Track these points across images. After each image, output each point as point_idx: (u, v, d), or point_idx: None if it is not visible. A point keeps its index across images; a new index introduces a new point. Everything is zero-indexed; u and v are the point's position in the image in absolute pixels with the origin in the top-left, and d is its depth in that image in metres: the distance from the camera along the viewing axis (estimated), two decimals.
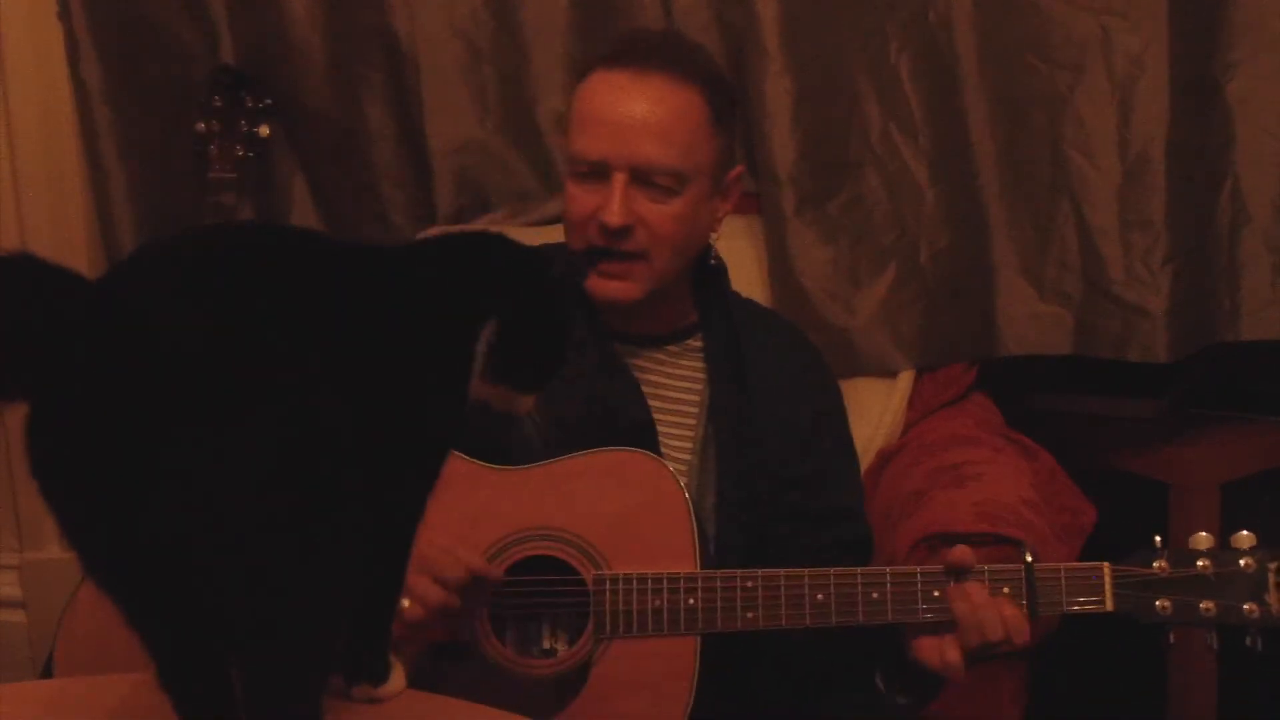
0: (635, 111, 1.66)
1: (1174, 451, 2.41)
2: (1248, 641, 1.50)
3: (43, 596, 2.76)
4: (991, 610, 1.52)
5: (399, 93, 2.44)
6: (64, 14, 2.51)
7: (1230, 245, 2.16)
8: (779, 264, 2.27)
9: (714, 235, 1.79)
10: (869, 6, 2.22)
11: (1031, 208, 2.21)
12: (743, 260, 2.31)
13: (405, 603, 1.50)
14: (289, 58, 2.46)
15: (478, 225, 2.43)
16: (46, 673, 1.75)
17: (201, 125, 2.43)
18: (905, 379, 2.27)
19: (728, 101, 1.76)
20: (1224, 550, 1.52)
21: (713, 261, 1.81)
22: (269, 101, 2.46)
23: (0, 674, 2.71)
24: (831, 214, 2.26)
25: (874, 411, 2.24)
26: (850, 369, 2.24)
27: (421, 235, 2.40)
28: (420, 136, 2.44)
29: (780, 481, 1.74)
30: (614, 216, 1.65)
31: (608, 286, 1.70)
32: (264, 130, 2.44)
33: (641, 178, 1.67)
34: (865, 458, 2.18)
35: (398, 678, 1.28)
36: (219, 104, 2.44)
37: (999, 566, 1.56)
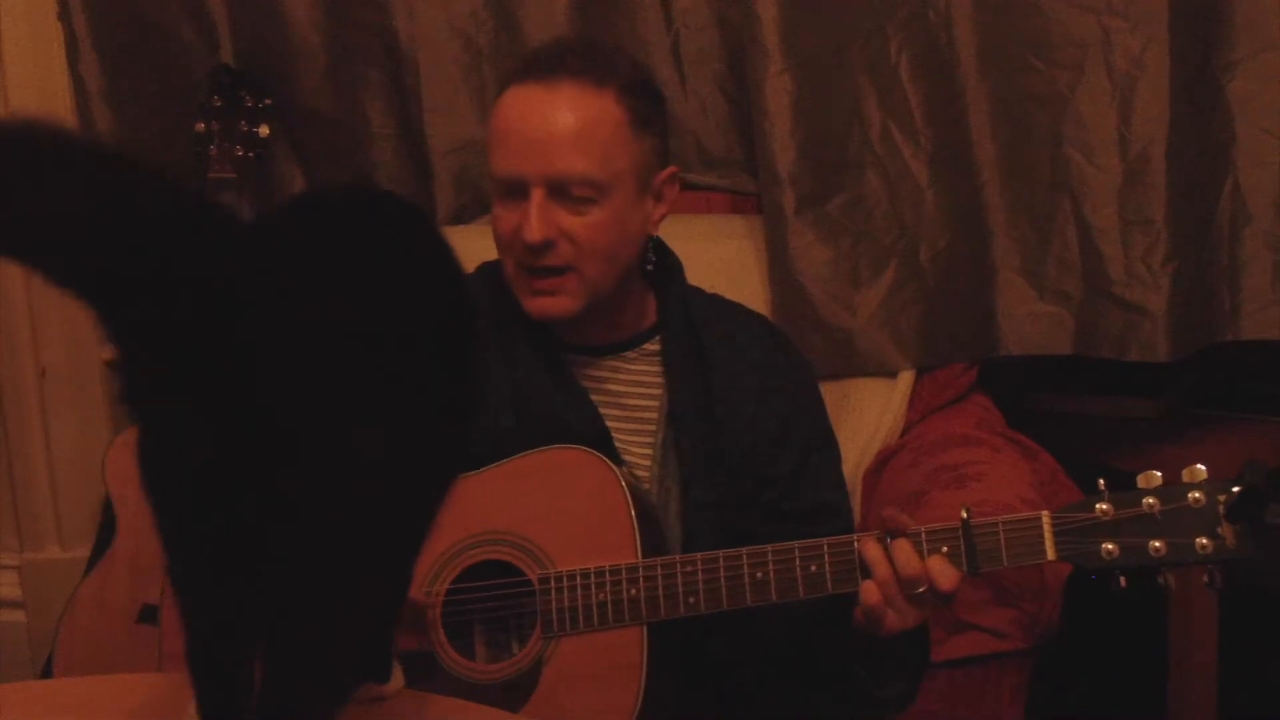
0: (546, 124, 1.63)
1: (1174, 451, 2.41)
2: (1205, 579, 1.45)
3: (43, 596, 2.76)
4: (916, 565, 1.50)
5: (399, 93, 2.44)
6: (64, 14, 2.51)
7: (1231, 245, 2.15)
8: (779, 264, 2.27)
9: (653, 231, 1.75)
10: (869, 6, 2.22)
11: (1031, 208, 2.21)
12: (743, 260, 2.31)
13: None
14: (289, 58, 2.46)
15: (478, 225, 2.44)
16: (46, 673, 1.75)
17: (201, 125, 2.43)
18: (905, 379, 2.27)
19: (650, 103, 1.72)
20: (1172, 486, 1.47)
21: (649, 267, 1.77)
22: (269, 101, 2.46)
23: (0, 674, 2.71)
24: (831, 214, 2.26)
25: (874, 411, 2.24)
26: (850, 369, 2.24)
27: None
28: (420, 136, 2.44)
29: (754, 481, 1.72)
30: (532, 233, 1.63)
31: (541, 304, 1.68)
32: (264, 130, 2.44)
33: (559, 190, 1.64)
34: (865, 458, 2.18)
35: (398, 677, 1.28)
36: (219, 104, 2.43)
37: (935, 526, 1.53)
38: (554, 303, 1.68)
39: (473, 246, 2.25)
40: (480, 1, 2.41)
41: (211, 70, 2.47)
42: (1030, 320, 2.23)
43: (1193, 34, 2.12)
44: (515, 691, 1.58)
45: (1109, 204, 2.16)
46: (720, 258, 2.25)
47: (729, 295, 1.89)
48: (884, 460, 2.18)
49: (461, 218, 2.47)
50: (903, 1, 2.21)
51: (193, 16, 2.50)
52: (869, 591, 1.51)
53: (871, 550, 1.52)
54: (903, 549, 1.51)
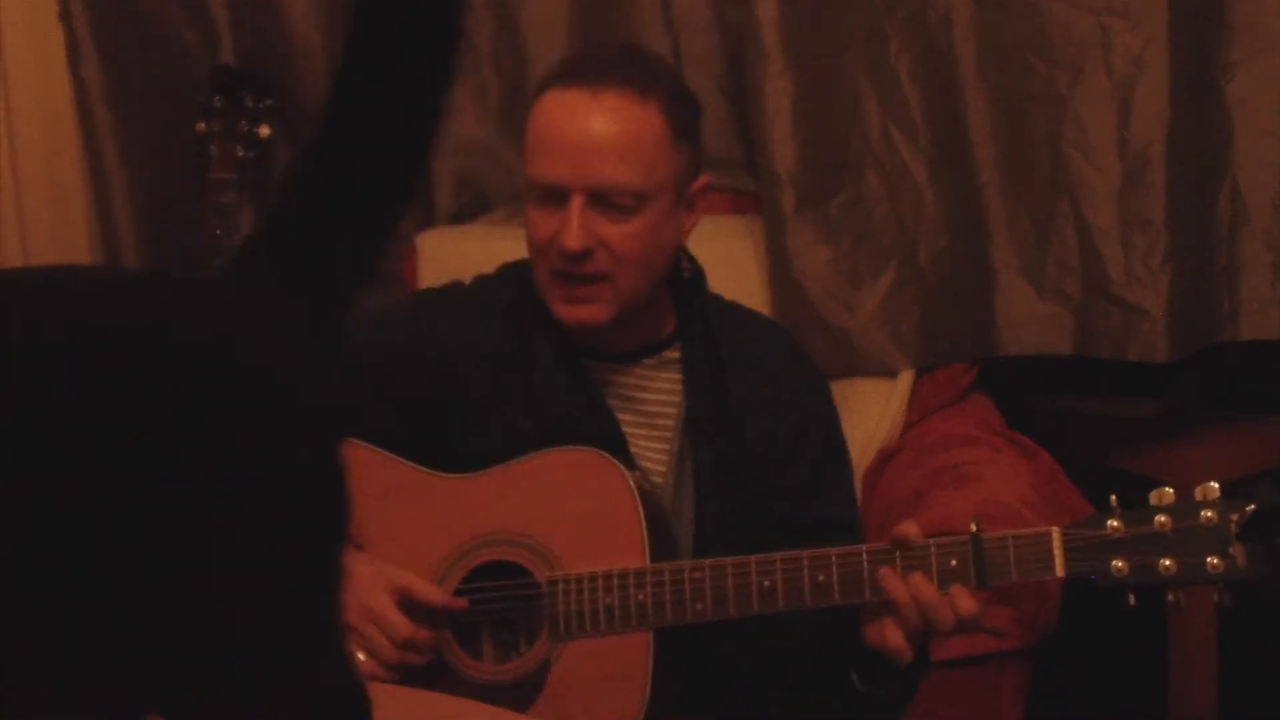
0: (591, 131, 1.62)
1: (1174, 451, 2.40)
2: (1215, 598, 1.45)
3: None
4: (931, 594, 1.50)
5: None
6: (64, 15, 2.51)
7: (1230, 245, 2.15)
8: (779, 264, 2.27)
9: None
10: (869, 7, 2.22)
11: (1031, 208, 2.21)
12: (743, 260, 2.31)
13: (360, 655, 1.51)
14: (289, 58, 2.46)
15: (478, 225, 2.44)
16: None
17: (201, 125, 2.43)
18: (905, 379, 2.26)
19: (689, 114, 1.72)
20: (1184, 504, 1.47)
21: (686, 275, 1.78)
22: (269, 101, 2.46)
23: None
24: (831, 214, 2.26)
25: (874, 411, 2.24)
26: (850, 369, 2.24)
27: (421, 236, 2.40)
28: None
29: (766, 492, 1.72)
30: (573, 241, 1.62)
31: (575, 311, 1.68)
32: (264, 130, 2.44)
33: (600, 199, 1.63)
34: (865, 458, 2.18)
35: None
36: (219, 104, 2.43)
37: (945, 539, 1.53)
38: (587, 310, 1.68)
39: (472, 247, 2.27)
40: (480, 1, 2.41)
41: (211, 70, 2.47)
42: (1030, 320, 2.23)
43: (1192, 34, 2.12)
44: (521, 692, 1.58)
45: (1108, 204, 2.16)
46: (720, 258, 2.24)
47: (729, 295, 1.90)
48: (884, 460, 2.18)
49: (461, 218, 2.46)
50: (903, 2, 2.21)
51: (193, 16, 2.50)
52: (893, 636, 1.51)
53: (892, 582, 1.51)
54: (922, 584, 1.50)
